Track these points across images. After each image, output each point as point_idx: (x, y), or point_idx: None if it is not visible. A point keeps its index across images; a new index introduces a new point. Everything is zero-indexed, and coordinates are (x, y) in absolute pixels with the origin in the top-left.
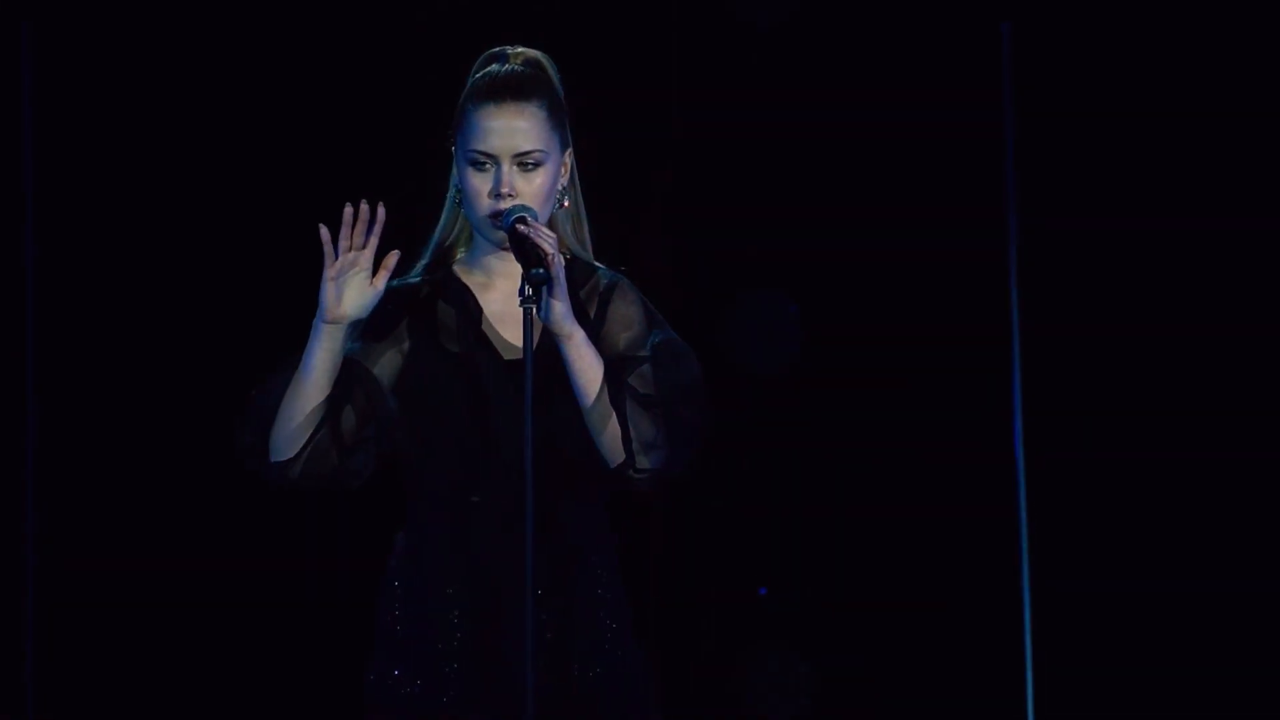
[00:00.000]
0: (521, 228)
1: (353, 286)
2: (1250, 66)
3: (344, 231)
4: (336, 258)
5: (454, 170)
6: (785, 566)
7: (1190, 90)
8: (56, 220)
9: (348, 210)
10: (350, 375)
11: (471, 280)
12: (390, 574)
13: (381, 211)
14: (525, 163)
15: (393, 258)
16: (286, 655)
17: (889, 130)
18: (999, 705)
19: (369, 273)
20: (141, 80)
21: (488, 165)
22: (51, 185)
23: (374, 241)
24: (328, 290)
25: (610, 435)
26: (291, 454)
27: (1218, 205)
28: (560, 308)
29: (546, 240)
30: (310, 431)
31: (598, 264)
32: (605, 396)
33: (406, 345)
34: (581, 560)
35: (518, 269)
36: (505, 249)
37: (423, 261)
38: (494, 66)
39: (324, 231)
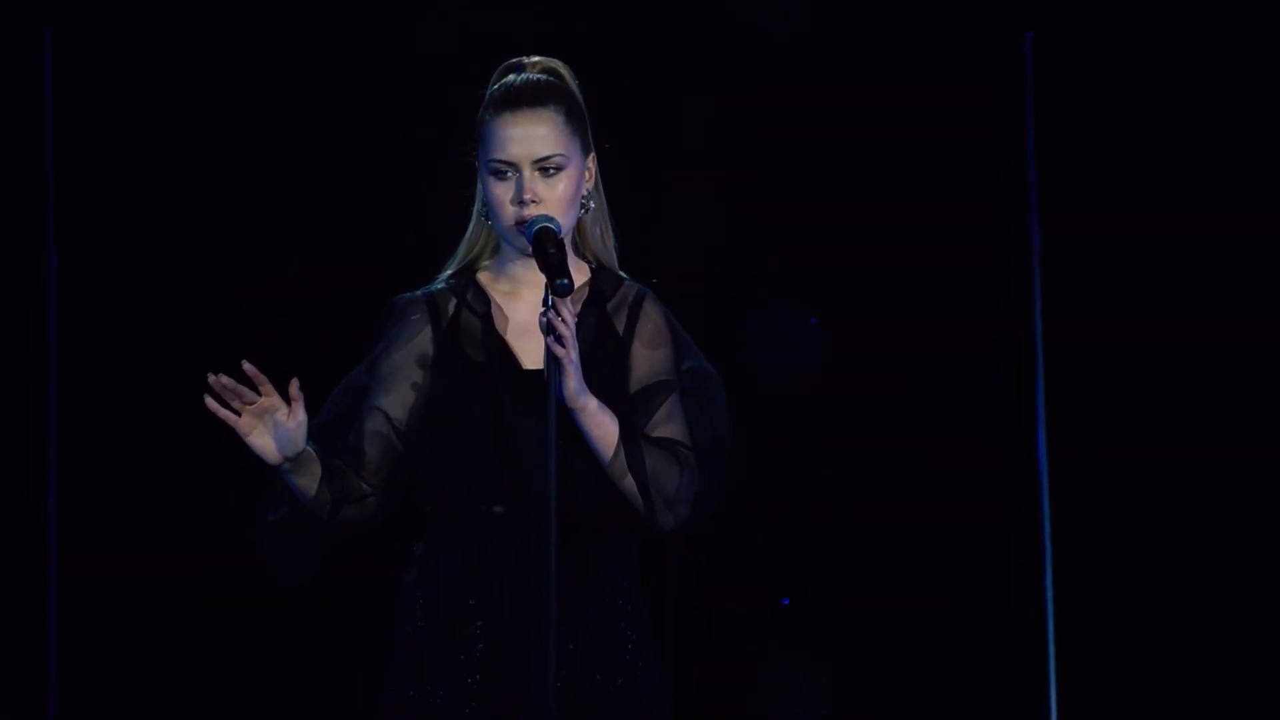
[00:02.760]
0: (547, 317)
1: (271, 431)
2: (1271, 67)
3: (227, 399)
4: (240, 415)
5: (479, 184)
6: (805, 569)
7: (1211, 91)
8: (77, 224)
9: (212, 380)
10: (363, 421)
11: (497, 290)
12: (410, 585)
13: (248, 366)
14: (546, 168)
15: (294, 385)
16: (285, 654)
17: (910, 133)
18: (1018, 708)
19: (284, 409)
20: (162, 88)
21: (509, 174)
22: (72, 192)
23: (267, 388)
24: (253, 446)
25: (630, 491)
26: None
27: (1243, 205)
28: (573, 384)
29: (566, 326)
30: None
31: (624, 275)
32: (622, 457)
33: (431, 353)
34: (602, 571)
35: (543, 279)
36: (524, 256)
37: (447, 271)
38: (510, 77)
39: (211, 404)
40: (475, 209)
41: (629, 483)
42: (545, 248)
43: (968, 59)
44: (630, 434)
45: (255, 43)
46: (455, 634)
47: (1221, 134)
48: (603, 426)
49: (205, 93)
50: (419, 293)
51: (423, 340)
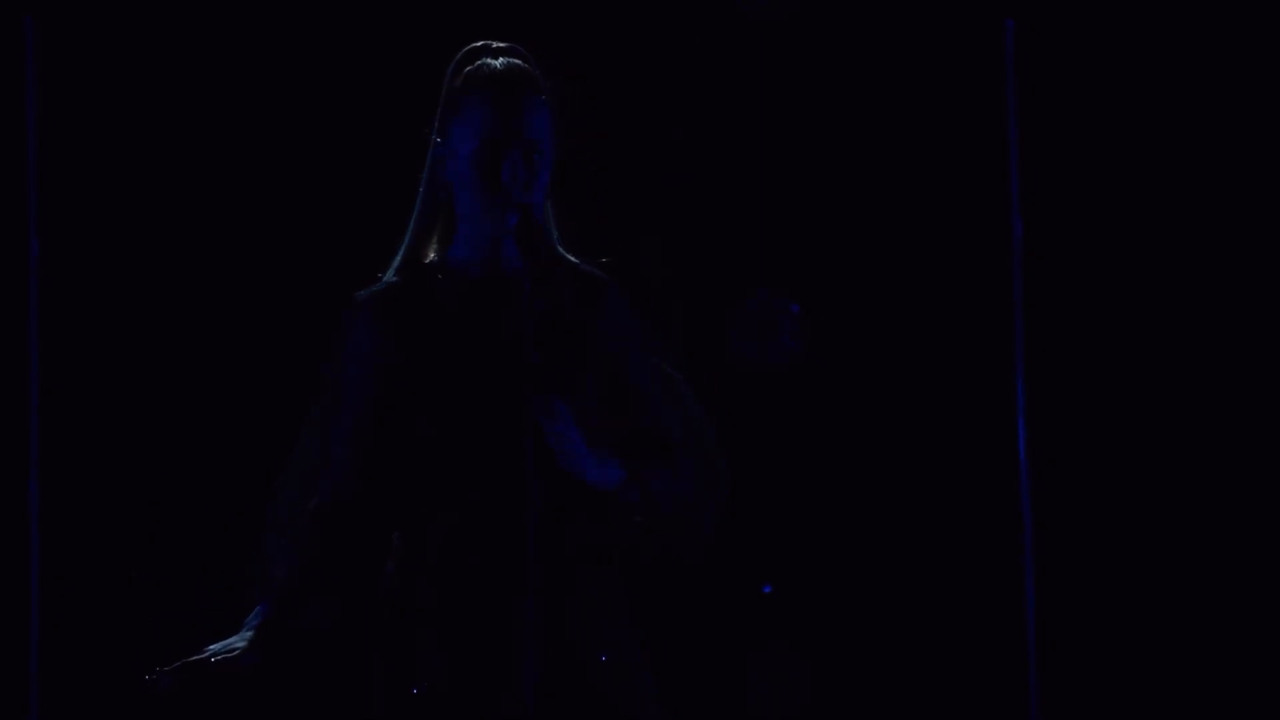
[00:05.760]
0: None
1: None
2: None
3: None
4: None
5: (430, 167)
6: (787, 564)
7: (1198, 81)
8: (61, 215)
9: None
10: (343, 461)
11: (457, 276)
12: (390, 576)
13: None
14: (532, 153)
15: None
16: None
17: (889, 126)
18: (1000, 708)
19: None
20: (145, 75)
21: (497, 158)
22: (55, 182)
23: (175, 673)
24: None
25: (639, 509)
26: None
27: (1230, 196)
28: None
29: (568, 440)
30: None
31: (571, 257)
32: (627, 487)
33: (395, 349)
34: (583, 559)
35: (505, 264)
36: (499, 240)
37: (398, 260)
38: (487, 60)
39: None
40: (422, 194)
41: (637, 504)
42: (529, 232)
43: (949, 47)
44: (632, 465)
45: (237, 25)
46: (437, 621)
47: (1208, 124)
48: (607, 472)
49: (189, 79)
50: (378, 287)
51: (386, 337)
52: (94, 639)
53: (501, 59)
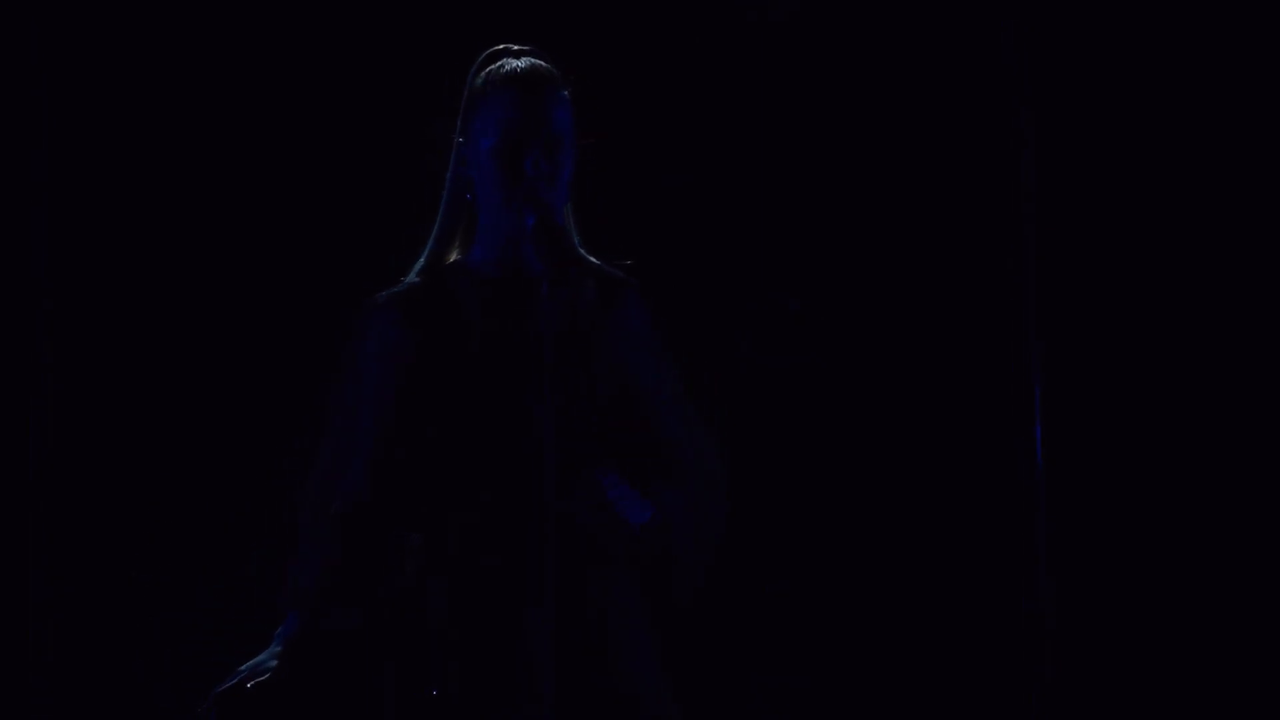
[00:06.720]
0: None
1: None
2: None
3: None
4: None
5: (453, 168)
6: (796, 566)
7: (1207, 82)
8: (69, 218)
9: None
10: (360, 471)
11: (477, 277)
12: (406, 576)
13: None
14: (555, 150)
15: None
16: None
17: (891, 125)
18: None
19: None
20: (158, 77)
21: (520, 153)
22: (64, 184)
23: (215, 702)
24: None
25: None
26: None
27: (1240, 197)
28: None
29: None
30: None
31: (593, 259)
32: (651, 519)
33: (411, 353)
34: (598, 560)
35: (525, 265)
36: (519, 240)
37: (420, 264)
38: (509, 60)
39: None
40: (448, 192)
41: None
42: (547, 233)
43: (960, 48)
44: (656, 496)
45: (254, 28)
46: (453, 621)
47: (1219, 125)
48: (644, 512)
49: (207, 84)
50: (398, 288)
51: (405, 338)
52: (96, 638)
53: (526, 59)
